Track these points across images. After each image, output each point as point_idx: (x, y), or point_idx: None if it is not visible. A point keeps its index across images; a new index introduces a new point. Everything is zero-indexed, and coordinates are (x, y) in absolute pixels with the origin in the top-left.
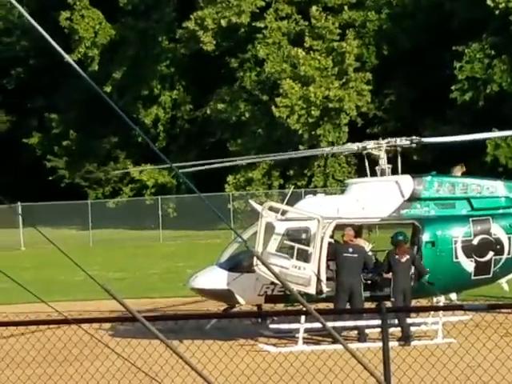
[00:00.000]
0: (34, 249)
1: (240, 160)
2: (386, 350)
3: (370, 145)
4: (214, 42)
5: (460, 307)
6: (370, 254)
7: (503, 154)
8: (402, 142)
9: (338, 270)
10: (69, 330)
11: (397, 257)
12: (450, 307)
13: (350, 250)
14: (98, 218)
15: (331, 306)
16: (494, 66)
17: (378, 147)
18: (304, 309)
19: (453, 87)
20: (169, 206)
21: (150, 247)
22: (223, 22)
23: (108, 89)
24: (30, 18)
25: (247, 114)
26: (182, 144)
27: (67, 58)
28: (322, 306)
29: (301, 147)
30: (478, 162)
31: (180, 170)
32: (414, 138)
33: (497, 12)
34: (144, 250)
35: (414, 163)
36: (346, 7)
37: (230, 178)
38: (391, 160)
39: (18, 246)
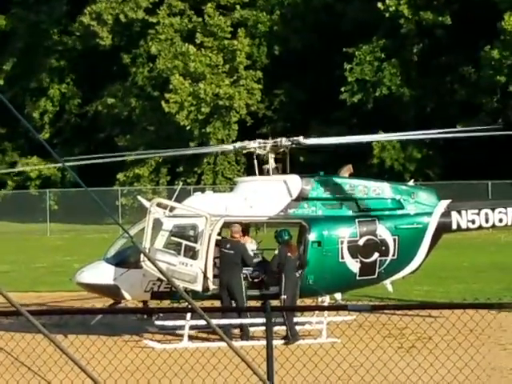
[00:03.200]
0: None
1: (129, 155)
2: (269, 349)
3: (254, 145)
4: (111, 37)
5: (344, 307)
6: (250, 251)
7: (389, 156)
8: (284, 142)
9: (219, 266)
10: None
11: (289, 254)
12: (334, 307)
13: (228, 245)
14: None
15: (217, 303)
16: (384, 68)
17: (261, 147)
18: (189, 306)
19: (342, 89)
20: (51, 199)
21: (37, 240)
22: (122, 17)
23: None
24: None
25: (138, 111)
26: (69, 137)
27: None
28: (207, 303)
29: (191, 144)
30: (364, 164)
31: (66, 163)
32: (294, 139)
33: (387, 15)
34: (31, 243)
35: (302, 164)
36: (238, 6)
37: (119, 176)
38: (280, 160)
39: None
